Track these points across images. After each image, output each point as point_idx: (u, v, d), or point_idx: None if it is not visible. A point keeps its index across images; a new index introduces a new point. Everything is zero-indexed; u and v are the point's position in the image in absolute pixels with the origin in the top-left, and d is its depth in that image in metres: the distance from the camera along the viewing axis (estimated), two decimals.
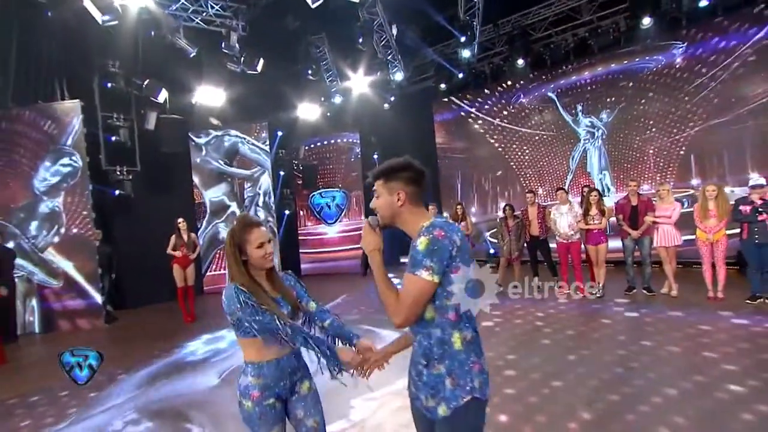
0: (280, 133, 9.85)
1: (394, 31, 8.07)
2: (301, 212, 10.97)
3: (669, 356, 3.67)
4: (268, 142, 9.28)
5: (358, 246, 9.95)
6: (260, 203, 9.35)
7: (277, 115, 9.80)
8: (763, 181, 5.20)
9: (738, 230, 5.34)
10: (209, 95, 8.29)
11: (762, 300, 5.07)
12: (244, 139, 9.26)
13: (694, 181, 7.53)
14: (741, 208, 5.14)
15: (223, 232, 9.34)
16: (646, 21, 7.22)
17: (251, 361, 1.57)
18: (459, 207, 7.71)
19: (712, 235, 5.34)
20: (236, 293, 1.48)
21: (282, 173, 10.01)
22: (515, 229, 6.95)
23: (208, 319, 6.59)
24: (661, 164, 7.96)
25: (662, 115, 7.92)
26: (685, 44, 7.61)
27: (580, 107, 8.86)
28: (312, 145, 10.89)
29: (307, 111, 9.98)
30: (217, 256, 9.29)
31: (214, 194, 9.32)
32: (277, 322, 1.49)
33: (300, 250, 10.86)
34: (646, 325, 4.65)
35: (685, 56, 7.64)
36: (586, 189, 6.85)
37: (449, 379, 1.27)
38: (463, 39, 8.00)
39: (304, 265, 10.85)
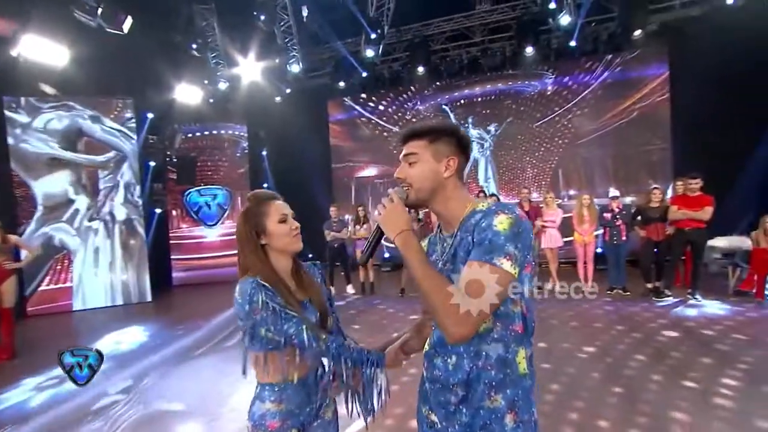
0: (150, 116, 8.17)
1: (305, 13, 7.38)
2: (174, 212, 9.31)
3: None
4: (135, 124, 7.60)
5: None
6: (119, 198, 7.60)
7: (147, 93, 8.11)
8: (617, 192, 6.38)
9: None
10: (43, 50, 6.28)
11: (616, 291, 6.17)
12: (96, 116, 7.41)
13: (563, 192, 8.76)
14: (604, 214, 6.17)
15: (63, 236, 7.32)
16: (529, 50, 8.13)
17: (269, 383, 1.25)
18: (361, 209, 7.49)
19: (586, 237, 6.31)
20: (254, 290, 1.15)
21: (152, 164, 8.33)
22: (419, 233, 7.01)
23: (34, 354, 4.92)
24: (537, 175, 9.08)
25: (538, 133, 9.04)
26: (555, 75, 8.85)
27: (470, 119, 9.53)
28: (191, 135, 9.36)
29: (187, 93, 8.51)
30: (54, 267, 7.21)
31: (49, 186, 7.21)
32: (306, 333, 1.16)
33: (171, 256, 9.19)
34: (542, 311, 5.42)
35: (554, 84, 8.88)
36: (482, 195, 7.32)
37: (510, 414, 0.99)
38: (373, 36, 7.82)
39: (176, 273, 9.21)
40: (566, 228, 6.71)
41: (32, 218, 7.10)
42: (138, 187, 7.69)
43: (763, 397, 2.97)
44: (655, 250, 5.80)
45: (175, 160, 9.05)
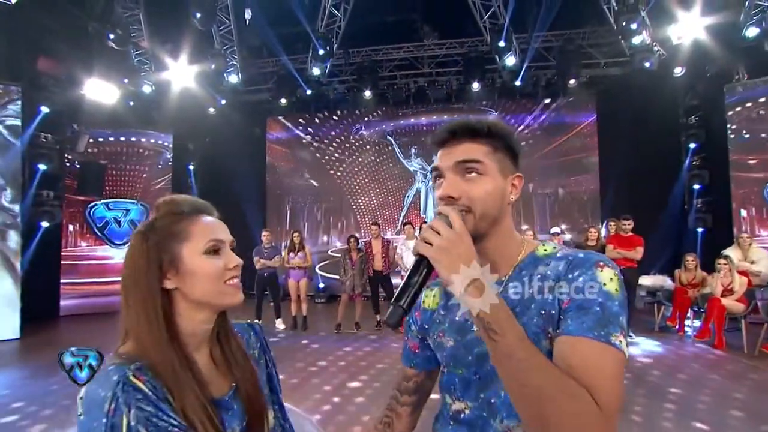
0: (45, 109, 6.89)
1: (248, 16, 6.79)
2: (71, 226, 7.88)
3: None
4: (19, 117, 6.30)
5: None
6: None
7: (42, 81, 6.85)
8: (558, 229, 6.48)
9: None
10: None
11: None
12: None
13: None
14: None
15: None
16: (475, 86, 8.29)
17: None
18: (296, 235, 6.85)
19: None
20: (119, 398, 0.63)
21: (41, 167, 6.97)
22: (359, 263, 6.51)
23: None
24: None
25: None
26: (498, 112, 9.12)
27: (414, 149, 9.43)
28: (101, 139, 8.12)
29: (100, 90, 7.38)
30: None
31: None
32: None
33: (61, 280, 7.66)
34: None
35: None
36: (425, 225, 7.06)
37: None
38: (321, 52, 7.43)
39: (65, 301, 7.66)
40: None
41: None
42: (13, 192, 6.27)
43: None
44: None
45: (77, 166, 7.73)
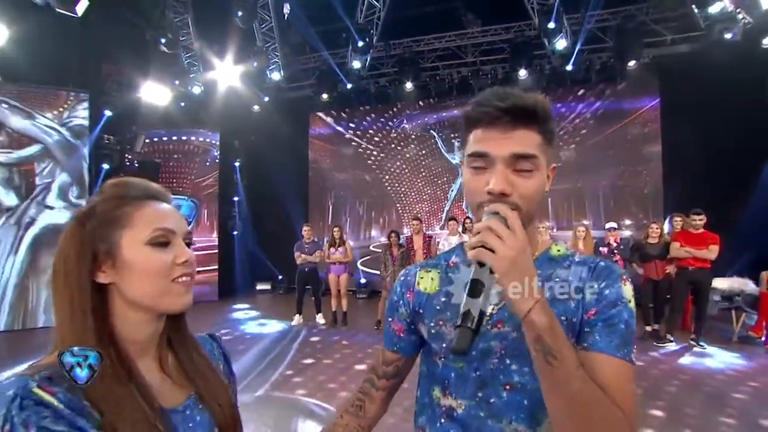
0: (108, 113, 7.37)
1: (286, 11, 6.83)
2: None
3: None
4: (87, 120, 6.78)
5: (209, 268, 7.86)
6: (52, 200, 6.60)
7: (104, 87, 7.32)
8: (615, 225, 5.91)
9: None
10: None
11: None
12: (27, 108, 6.48)
13: (550, 223, 8.31)
14: (600, 249, 5.70)
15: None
16: (522, 73, 7.83)
17: None
18: (337, 230, 6.83)
19: None
20: (15, 407, 0.50)
21: (106, 166, 7.47)
22: (400, 259, 6.38)
23: None
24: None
25: None
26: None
27: (457, 142, 9.12)
28: (156, 139, 8.58)
29: (154, 93, 7.77)
30: None
31: None
32: None
33: None
34: None
35: None
36: (467, 220, 6.78)
37: None
38: (360, 44, 7.34)
39: None
40: None
41: None
42: (85, 189, 6.79)
43: None
44: (655, 289, 5.33)
45: (135, 165, 8.21)
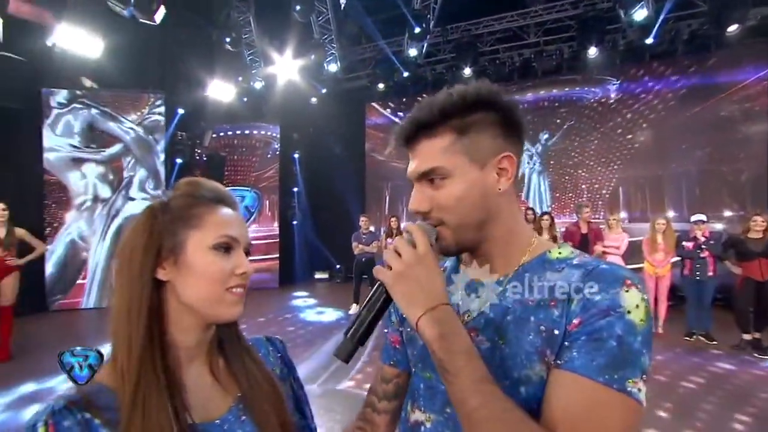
0: (181, 111, 7.89)
1: (343, 1, 6.83)
2: None
3: None
4: (164, 120, 7.31)
5: (270, 257, 8.21)
6: (134, 192, 7.21)
7: (178, 88, 7.84)
8: (704, 217, 5.23)
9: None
10: (77, 40, 5.99)
11: (696, 336, 5.07)
12: (113, 110, 7.10)
13: (623, 214, 7.64)
14: (684, 243, 5.13)
15: (85, 232, 7.05)
16: (592, 51, 7.19)
17: None
18: (394, 220, 6.81)
19: (660, 268, 5.29)
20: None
21: (179, 161, 8.03)
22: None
23: (36, 356, 4.46)
24: (594, 194, 8.02)
25: (597, 146, 8.02)
26: (620, 81, 7.84)
27: None
28: (221, 134, 9.05)
29: (219, 90, 8.20)
30: (77, 264, 6.95)
31: (75, 182, 6.99)
32: None
33: None
34: None
35: (619, 91, 7.86)
36: (530, 212, 6.41)
37: None
38: (417, 30, 7.16)
39: None
40: (630, 256, 5.69)
41: (69, 209, 6.89)
42: (161, 181, 7.35)
43: None
44: (757, 292, 4.67)
45: (204, 158, 8.74)
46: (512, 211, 0.69)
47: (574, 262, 0.64)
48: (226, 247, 0.65)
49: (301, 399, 0.79)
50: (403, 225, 6.95)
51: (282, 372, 0.77)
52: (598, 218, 7.30)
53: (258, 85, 8.84)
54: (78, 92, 6.95)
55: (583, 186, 8.13)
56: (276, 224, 9.38)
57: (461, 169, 0.64)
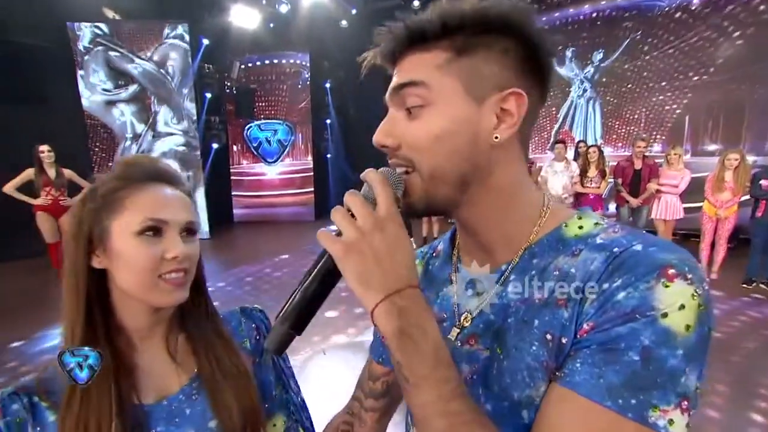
0: (206, 42, 7.57)
1: None
2: (235, 147, 9.01)
3: None
4: (189, 48, 7.03)
5: (305, 190, 8.24)
6: (161, 127, 7.17)
7: (200, 15, 7.44)
8: None
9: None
10: None
11: (756, 284, 4.66)
12: (132, 53, 6.88)
13: (686, 146, 6.85)
14: (762, 182, 4.51)
15: None
16: None
17: None
18: None
19: (723, 210, 4.76)
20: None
21: (208, 95, 7.88)
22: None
23: None
24: (653, 124, 7.17)
25: (661, 67, 6.99)
26: None
27: (571, 51, 7.68)
28: (249, 64, 8.70)
29: (244, 16, 7.71)
30: None
31: (112, 120, 7.06)
32: None
33: (233, 193, 9.07)
34: None
35: None
36: (582, 144, 5.87)
37: None
38: None
39: (237, 210, 9.14)
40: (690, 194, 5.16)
41: (119, 147, 7.05)
42: (193, 120, 7.30)
43: None
44: None
45: (234, 91, 8.54)
46: (512, 173, 0.51)
47: (597, 240, 0.47)
48: (153, 231, 0.61)
49: (282, 371, 0.78)
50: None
51: (257, 344, 0.75)
52: (656, 153, 6.59)
53: (284, 8, 8.22)
54: (98, 32, 6.74)
55: (642, 114, 7.26)
56: (309, 157, 9.29)
57: (449, 98, 0.48)
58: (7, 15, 5.43)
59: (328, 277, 0.46)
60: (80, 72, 6.73)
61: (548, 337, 0.45)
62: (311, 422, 0.80)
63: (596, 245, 0.46)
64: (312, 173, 9.24)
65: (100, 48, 6.81)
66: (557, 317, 0.45)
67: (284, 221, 8.99)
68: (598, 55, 7.46)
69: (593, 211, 5.17)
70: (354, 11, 8.45)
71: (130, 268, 0.60)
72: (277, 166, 9.09)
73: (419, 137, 0.49)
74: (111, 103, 7.00)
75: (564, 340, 0.44)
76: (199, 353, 0.68)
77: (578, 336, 0.43)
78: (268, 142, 9.00)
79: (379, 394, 0.69)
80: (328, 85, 9.71)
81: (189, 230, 0.65)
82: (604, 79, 7.47)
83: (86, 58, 6.76)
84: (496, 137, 0.49)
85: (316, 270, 0.47)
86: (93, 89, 6.88)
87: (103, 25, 6.77)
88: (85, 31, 6.68)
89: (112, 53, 6.87)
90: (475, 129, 0.48)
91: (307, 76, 8.97)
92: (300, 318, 0.46)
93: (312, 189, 9.23)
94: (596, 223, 0.50)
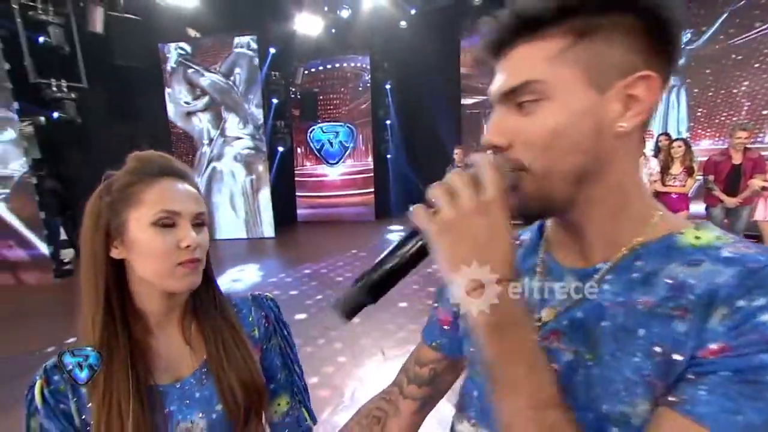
0: (272, 51, 8.00)
1: None
2: (299, 149, 9.42)
3: None
4: (257, 60, 7.48)
5: (366, 191, 8.35)
6: (233, 131, 7.67)
7: (268, 26, 7.87)
8: None
9: None
10: None
11: None
12: (203, 67, 7.45)
13: None
14: None
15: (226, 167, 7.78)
16: None
17: None
18: (459, 153, 6.49)
19: None
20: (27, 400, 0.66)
21: (275, 101, 8.32)
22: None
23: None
24: (757, 111, 6.28)
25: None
26: None
27: None
28: (312, 69, 9.05)
29: (308, 24, 8.04)
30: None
31: (192, 128, 7.72)
32: None
33: (297, 193, 9.49)
34: None
35: None
36: (664, 138, 5.31)
37: None
38: None
39: (300, 210, 9.56)
40: None
41: (197, 152, 7.74)
42: (260, 126, 7.74)
43: None
44: None
45: (298, 96, 8.92)
46: (630, 167, 0.47)
47: (724, 253, 0.41)
48: (166, 223, 0.65)
49: (288, 356, 0.81)
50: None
51: (266, 331, 0.79)
52: (760, 145, 5.78)
53: (345, 13, 8.43)
54: (181, 51, 7.40)
55: (743, 100, 6.39)
56: (370, 158, 9.43)
57: (569, 90, 0.43)
58: (112, 40, 6.12)
59: (416, 252, 0.44)
60: (168, 90, 7.47)
61: (657, 350, 0.40)
62: (307, 411, 0.84)
63: (723, 258, 0.40)
64: (372, 174, 9.38)
65: (181, 67, 7.51)
66: (670, 329, 0.40)
67: (346, 221, 9.22)
68: (685, 35, 6.69)
69: (675, 213, 4.65)
70: (413, 11, 8.42)
71: (148, 256, 0.65)
72: (339, 167, 9.34)
73: (535, 134, 0.45)
74: (190, 114, 7.68)
75: (676, 357, 0.39)
76: (208, 339, 0.72)
77: (699, 355, 0.38)
78: (331, 144, 9.29)
79: (424, 381, 0.65)
80: (388, 86, 9.79)
81: (199, 221, 0.69)
82: (693, 64, 6.68)
83: (173, 75, 7.49)
84: (622, 127, 0.44)
85: (405, 242, 0.45)
86: (176, 102, 7.60)
87: (185, 45, 7.44)
88: (173, 53, 7.40)
89: (189, 70, 7.54)
90: (598, 119, 0.44)
91: (367, 78, 9.12)
92: (379, 287, 0.45)
93: (372, 189, 9.36)
94: (718, 237, 0.44)
